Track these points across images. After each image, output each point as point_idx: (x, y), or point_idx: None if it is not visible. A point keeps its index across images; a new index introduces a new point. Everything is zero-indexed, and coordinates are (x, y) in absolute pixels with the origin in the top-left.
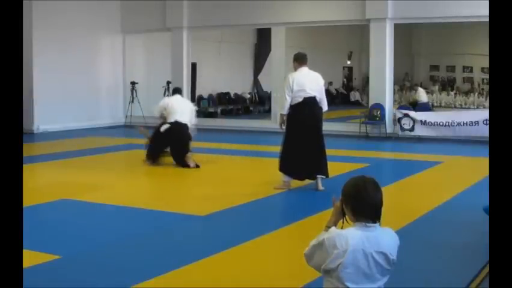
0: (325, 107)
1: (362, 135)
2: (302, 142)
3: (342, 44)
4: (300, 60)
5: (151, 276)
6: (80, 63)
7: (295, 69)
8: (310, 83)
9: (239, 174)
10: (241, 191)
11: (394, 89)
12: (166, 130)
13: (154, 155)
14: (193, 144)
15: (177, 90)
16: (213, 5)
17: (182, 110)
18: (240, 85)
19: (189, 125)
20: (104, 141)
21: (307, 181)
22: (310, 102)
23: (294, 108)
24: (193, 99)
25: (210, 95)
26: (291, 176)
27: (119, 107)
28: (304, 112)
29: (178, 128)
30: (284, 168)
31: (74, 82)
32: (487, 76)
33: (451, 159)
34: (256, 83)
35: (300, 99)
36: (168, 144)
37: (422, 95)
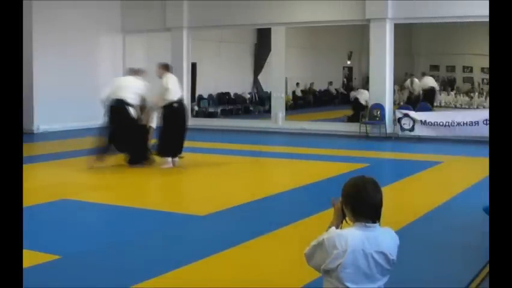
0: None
1: (362, 135)
2: (177, 130)
3: (342, 44)
4: (169, 68)
5: (151, 276)
6: (80, 63)
7: (164, 74)
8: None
9: (239, 174)
10: (240, 191)
11: (394, 89)
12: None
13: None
14: (193, 144)
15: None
16: (213, 5)
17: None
18: (240, 85)
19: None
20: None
21: (309, 181)
22: (180, 101)
23: (170, 104)
24: (193, 99)
25: (210, 95)
26: (170, 156)
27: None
28: (179, 107)
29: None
30: (166, 153)
31: (74, 82)
32: (487, 76)
33: (451, 159)
34: (256, 83)
35: (176, 98)
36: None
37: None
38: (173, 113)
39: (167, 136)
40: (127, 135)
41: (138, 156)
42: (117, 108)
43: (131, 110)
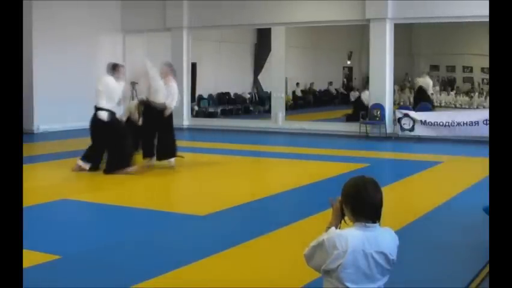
0: None
1: (362, 135)
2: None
3: (342, 44)
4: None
5: (151, 276)
6: (80, 63)
7: (168, 78)
8: None
9: (239, 174)
10: (240, 191)
11: (394, 89)
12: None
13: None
14: (193, 144)
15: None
16: (213, 5)
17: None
18: (240, 85)
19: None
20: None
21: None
22: None
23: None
24: (193, 99)
25: (210, 95)
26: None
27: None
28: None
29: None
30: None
31: (74, 82)
32: (487, 76)
33: (450, 159)
34: (256, 83)
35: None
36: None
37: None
38: (169, 116)
39: (167, 138)
40: (104, 143)
41: (113, 164)
42: (94, 115)
43: (103, 115)
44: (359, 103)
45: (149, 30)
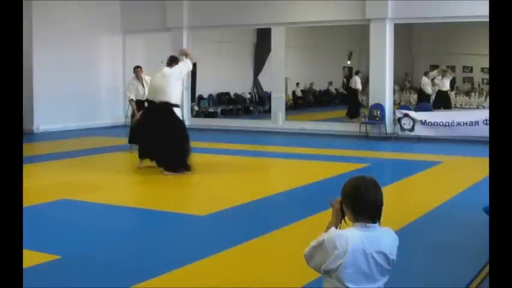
0: None
1: (362, 135)
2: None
3: (342, 44)
4: None
5: (151, 276)
6: (80, 63)
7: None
8: None
9: (239, 174)
10: (240, 191)
11: (394, 89)
12: None
13: None
14: (192, 144)
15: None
16: (213, 5)
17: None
18: (240, 85)
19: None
20: (104, 141)
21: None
22: None
23: None
24: (193, 99)
25: (210, 95)
26: None
27: (119, 107)
28: None
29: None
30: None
31: (74, 82)
32: (487, 76)
33: (450, 159)
34: (256, 83)
35: None
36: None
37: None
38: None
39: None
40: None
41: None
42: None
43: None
44: (351, 92)
45: (149, 30)
